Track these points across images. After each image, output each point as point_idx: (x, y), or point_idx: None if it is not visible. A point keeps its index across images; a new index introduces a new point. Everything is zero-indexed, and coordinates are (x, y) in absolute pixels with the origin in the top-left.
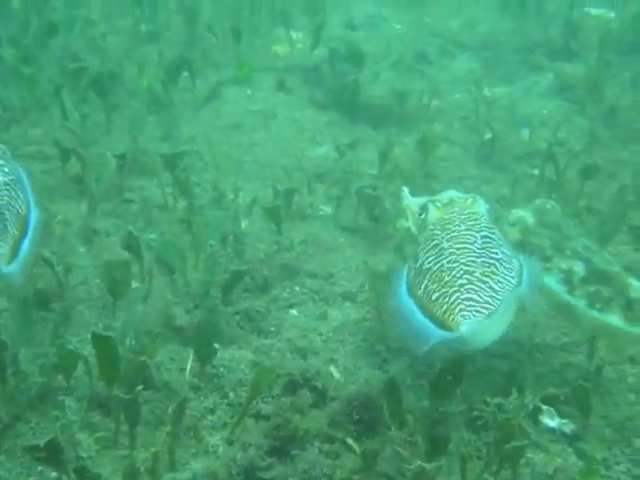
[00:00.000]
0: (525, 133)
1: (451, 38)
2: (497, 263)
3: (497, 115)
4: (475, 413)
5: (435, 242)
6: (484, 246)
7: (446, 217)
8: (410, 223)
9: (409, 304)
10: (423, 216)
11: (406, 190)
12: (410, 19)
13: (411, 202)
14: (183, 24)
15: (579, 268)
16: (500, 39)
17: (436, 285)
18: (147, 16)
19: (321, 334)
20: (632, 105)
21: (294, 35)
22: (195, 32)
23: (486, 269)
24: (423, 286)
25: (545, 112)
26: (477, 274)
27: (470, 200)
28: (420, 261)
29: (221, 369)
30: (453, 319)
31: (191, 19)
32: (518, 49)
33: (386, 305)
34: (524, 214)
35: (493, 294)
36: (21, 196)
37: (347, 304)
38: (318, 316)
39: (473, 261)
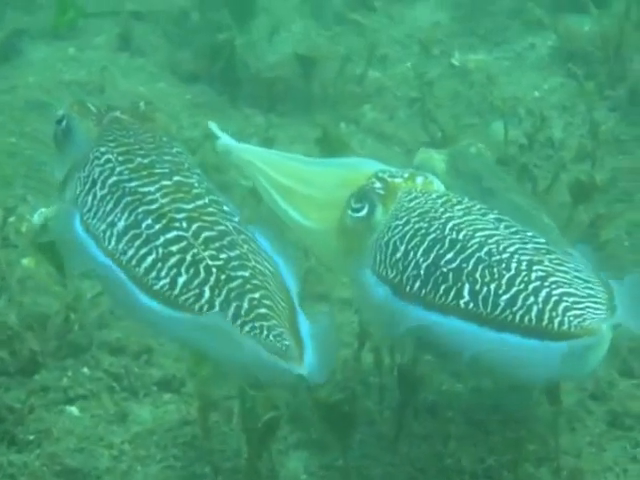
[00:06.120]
0: (498, 127)
1: None
2: (553, 249)
3: (464, 97)
4: None
5: (433, 236)
6: (512, 230)
7: (410, 205)
8: (267, 194)
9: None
10: (364, 213)
11: (215, 128)
12: None
13: (247, 154)
14: None
15: None
16: None
17: (494, 285)
18: None
19: (111, 446)
20: None
21: None
22: None
23: (551, 256)
24: (466, 292)
25: (537, 94)
26: (547, 263)
27: (421, 179)
28: (426, 263)
29: None
30: (562, 322)
31: None
32: None
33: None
34: (435, 156)
35: (590, 285)
36: (257, 246)
37: (166, 397)
38: (112, 416)
39: (523, 249)
